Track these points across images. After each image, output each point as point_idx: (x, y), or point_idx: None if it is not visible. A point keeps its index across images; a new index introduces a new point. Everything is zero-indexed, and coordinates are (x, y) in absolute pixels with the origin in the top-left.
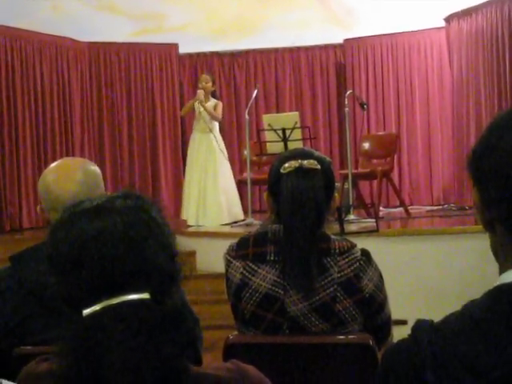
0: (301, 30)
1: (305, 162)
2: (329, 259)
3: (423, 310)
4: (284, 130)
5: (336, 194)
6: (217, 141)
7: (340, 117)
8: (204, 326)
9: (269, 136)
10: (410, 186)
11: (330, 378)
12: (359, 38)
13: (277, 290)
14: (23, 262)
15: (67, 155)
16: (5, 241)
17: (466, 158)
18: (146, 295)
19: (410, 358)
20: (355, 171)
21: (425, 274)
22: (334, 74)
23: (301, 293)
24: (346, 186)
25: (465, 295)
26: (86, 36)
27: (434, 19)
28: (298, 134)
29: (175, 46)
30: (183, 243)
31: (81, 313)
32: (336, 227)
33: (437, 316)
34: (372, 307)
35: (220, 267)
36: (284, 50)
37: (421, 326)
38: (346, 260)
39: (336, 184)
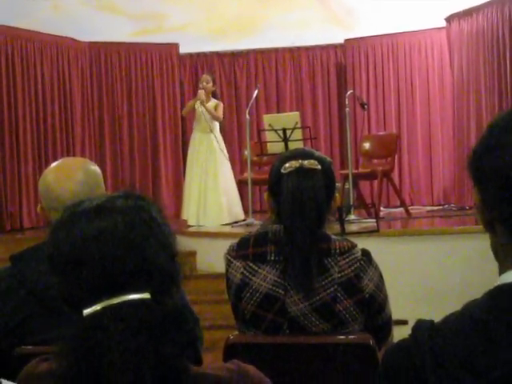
0: (301, 30)
1: (305, 162)
2: (329, 259)
3: (424, 310)
4: (284, 130)
5: (336, 194)
6: (217, 141)
7: (340, 117)
8: (204, 325)
9: (269, 136)
10: (411, 186)
11: (330, 378)
12: (360, 38)
13: (277, 290)
14: (24, 261)
15: (68, 155)
16: (5, 240)
17: (467, 158)
18: (146, 295)
19: (410, 358)
20: (356, 171)
21: (425, 274)
22: (335, 74)
23: (301, 293)
24: (346, 186)
25: (465, 295)
26: (86, 36)
27: (435, 19)
28: (298, 134)
29: (175, 45)
30: (183, 243)
31: (81, 313)
32: (336, 227)
33: (437, 316)
34: (372, 307)
35: (220, 267)
36: (284, 49)
37: (421, 326)
38: (347, 260)
39: (336, 184)
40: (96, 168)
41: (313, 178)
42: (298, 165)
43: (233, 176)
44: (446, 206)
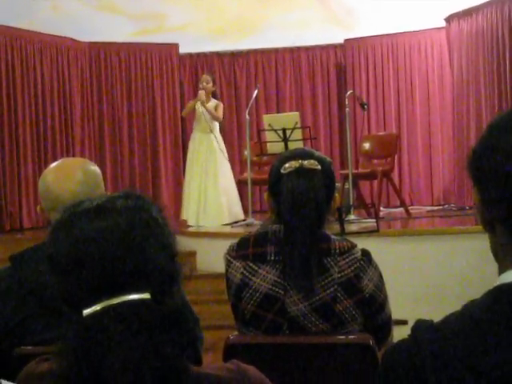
0: (301, 29)
1: (305, 162)
2: (329, 259)
3: (423, 310)
4: (284, 130)
5: (336, 194)
6: (217, 141)
7: (340, 117)
8: (204, 326)
9: (269, 136)
10: (411, 186)
11: (330, 378)
12: (360, 38)
13: (277, 290)
14: (23, 261)
15: (67, 155)
16: (5, 240)
17: (466, 158)
18: (146, 295)
19: (410, 358)
20: (355, 171)
21: (425, 274)
22: (335, 74)
23: (301, 293)
24: (346, 186)
25: (465, 295)
26: (86, 36)
27: (435, 19)
28: (298, 134)
29: (175, 45)
30: (183, 243)
31: (81, 313)
32: (336, 227)
33: (437, 316)
34: (372, 307)
35: (220, 267)
36: (284, 50)
37: (421, 326)
38: (347, 260)
39: (336, 184)
40: (96, 168)
41: (313, 178)
42: (297, 165)
43: (232, 176)
44: (446, 205)
